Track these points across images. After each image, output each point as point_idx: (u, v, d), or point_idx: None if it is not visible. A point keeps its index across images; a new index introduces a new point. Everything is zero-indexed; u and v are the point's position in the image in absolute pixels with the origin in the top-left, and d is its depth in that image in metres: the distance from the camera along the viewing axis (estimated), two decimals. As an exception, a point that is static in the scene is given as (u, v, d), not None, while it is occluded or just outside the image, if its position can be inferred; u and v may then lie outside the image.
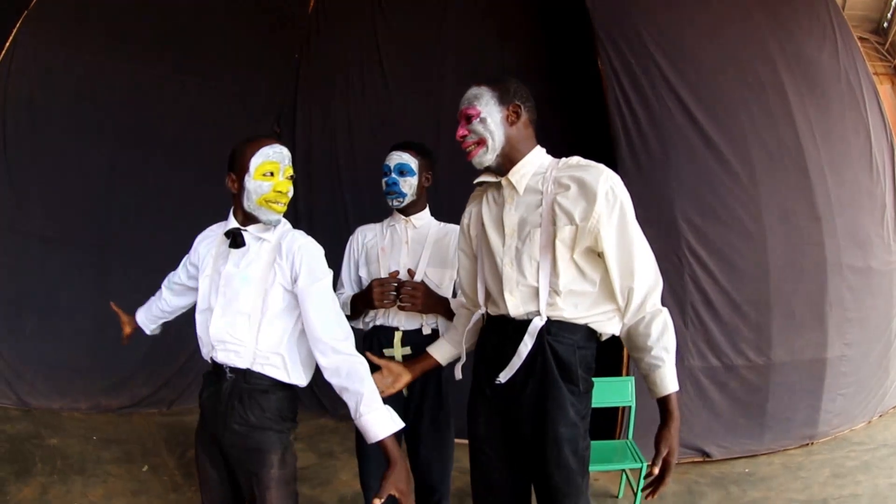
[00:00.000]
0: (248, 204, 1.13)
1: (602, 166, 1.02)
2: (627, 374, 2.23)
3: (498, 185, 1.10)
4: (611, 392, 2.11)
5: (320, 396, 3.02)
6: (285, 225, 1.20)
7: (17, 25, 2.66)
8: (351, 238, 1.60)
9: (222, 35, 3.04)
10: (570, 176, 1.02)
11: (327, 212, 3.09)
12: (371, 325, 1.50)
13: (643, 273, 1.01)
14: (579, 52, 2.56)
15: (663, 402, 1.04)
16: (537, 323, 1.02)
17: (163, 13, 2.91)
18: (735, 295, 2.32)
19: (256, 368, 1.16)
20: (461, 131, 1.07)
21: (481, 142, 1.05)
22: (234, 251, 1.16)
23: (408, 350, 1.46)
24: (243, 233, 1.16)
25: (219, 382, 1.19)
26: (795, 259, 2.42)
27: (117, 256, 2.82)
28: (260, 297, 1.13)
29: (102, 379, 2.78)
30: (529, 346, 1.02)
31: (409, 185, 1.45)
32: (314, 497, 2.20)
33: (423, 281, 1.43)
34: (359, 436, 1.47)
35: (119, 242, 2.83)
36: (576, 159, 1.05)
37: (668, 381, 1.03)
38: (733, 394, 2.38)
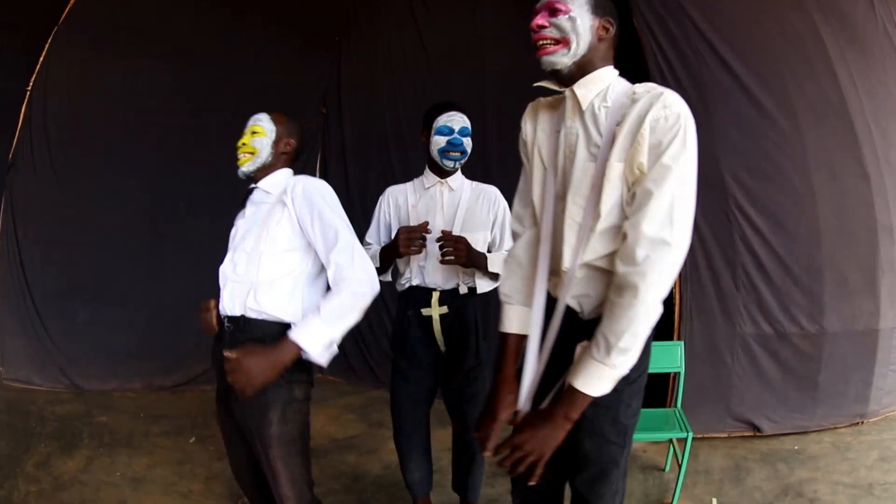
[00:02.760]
0: None
1: (668, 91, 0.85)
2: (678, 339, 2.12)
3: (556, 102, 0.97)
4: (659, 357, 1.98)
5: (374, 369, 3.01)
6: (290, 177, 1.26)
7: (49, 40, 2.81)
8: (381, 199, 1.56)
9: (262, 25, 3.09)
10: (633, 101, 0.87)
11: (378, 188, 3.20)
12: (407, 285, 1.47)
13: (657, 219, 0.79)
14: (615, 12, 2.50)
15: (566, 392, 0.83)
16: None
17: (199, 10, 2.96)
18: (786, 257, 2.20)
19: (251, 315, 1.17)
20: (540, 20, 0.90)
21: (563, 41, 0.89)
22: (242, 214, 1.28)
23: (445, 309, 1.43)
24: (255, 188, 1.27)
25: (222, 337, 1.21)
26: (846, 220, 2.29)
27: (169, 245, 2.91)
28: (260, 236, 1.19)
29: (156, 360, 2.88)
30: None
31: (468, 145, 1.44)
32: (359, 465, 2.20)
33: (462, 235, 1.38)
34: (393, 398, 1.51)
35: (170, 232, 2.93)
36: (645, 86, 0.89)
37: (593, 380, 0.81)
38: (785, 364, 2.25)
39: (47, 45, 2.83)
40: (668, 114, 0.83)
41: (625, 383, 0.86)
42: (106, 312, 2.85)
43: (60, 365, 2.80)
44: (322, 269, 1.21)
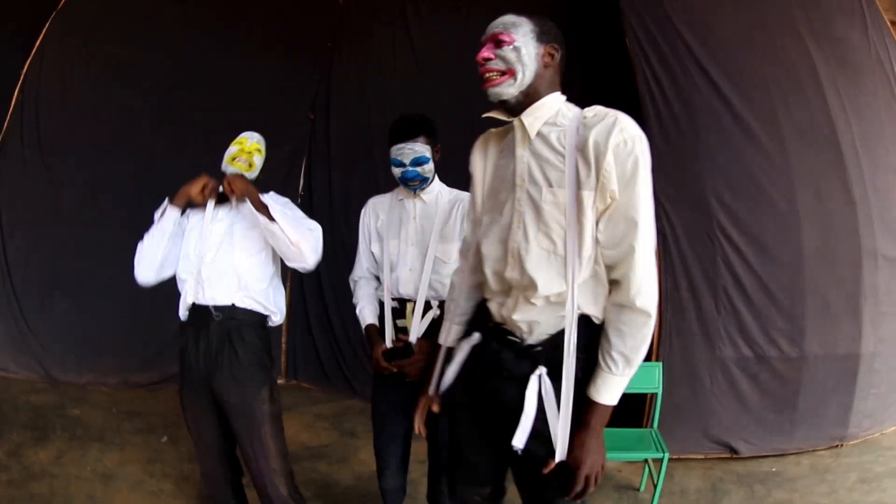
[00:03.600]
0: (223, 165, 1.45)
1: (619, 114, 0.88)
2: (657, 360, 2.11)
3: (504, 132, 1.00)
4: (637, 378, 1.92)
5: (350, 379, 2.99)
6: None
7: (47, 25, 2.81)
8: (363, 211, 1.55)
9: (255, 27, 3.10)
10: (586, 127, 0.88)
11: (361, 193, 3.20)
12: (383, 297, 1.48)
13: (643, 245, 0.86)
14: (607, 31, 2.50)
15: (588, 407, 0.91)
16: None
17: (194, 6, 2.97)
18: (768, 280, 2.20)
19: (240, 303, 1.37)
20: (485, 53, 0.91)
21: (509, 72, 0.90)
22: (217, 214, 1.44)
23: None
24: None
25: (205, 326, 1.36)
26: (830, 245, 2.29)
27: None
28: (244, 236, 1.41)
29: (132, 356, 2.87)
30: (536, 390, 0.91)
31: (428, 170, 1.41)
32: (330, 474, 2.19)
33: (418, 344, 1.40)
34: (374, 403, 1.52)
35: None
36: (594, 110, 0.90)
37: (617, 392, 0.91)
38: (764, 387, 2.24)
39: (45, 29, 2.80)
40: (626, 138, 0.86)
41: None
42: (84, 305, 2.82)
43: (36, 354, 2.77)
44: (276, 272, 1.47)
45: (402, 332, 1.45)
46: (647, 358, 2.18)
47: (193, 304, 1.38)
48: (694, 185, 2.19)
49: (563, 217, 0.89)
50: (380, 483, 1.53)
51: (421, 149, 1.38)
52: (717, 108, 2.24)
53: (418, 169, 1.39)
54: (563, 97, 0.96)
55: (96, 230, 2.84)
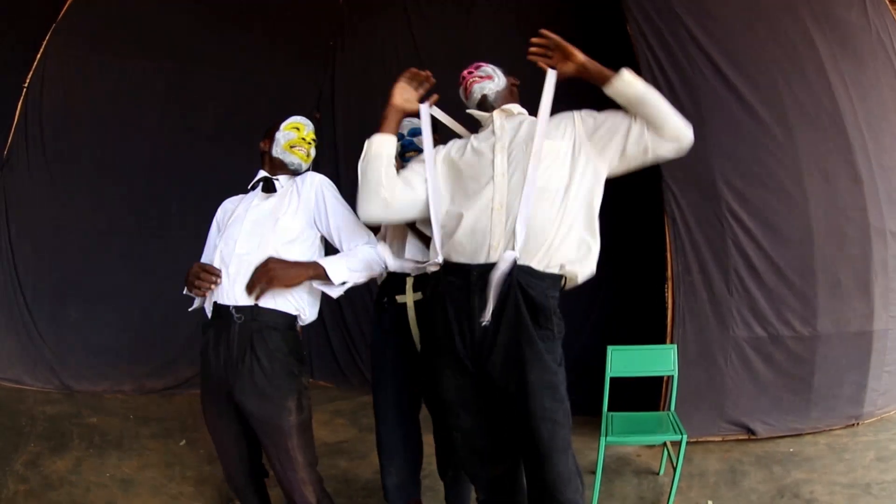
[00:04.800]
0: (276, 150, 1.34)
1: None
2: (671, 342, 2.12)
3: (481, 128, 1.25)
4: (652, 361, 1.99)
5: (366, 374, 2.99)
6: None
7: (48, 37, 2.81)
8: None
9: (257, 29, 3.11)
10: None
11: None
12: (384, 274, 1.47)
13: None
14: (609, 20, 2.51)
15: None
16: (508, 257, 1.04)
17: (193, 13, 2.98)
18: (779, 261, 2.20)
19: (263, 303, 1.21)
20: (471, 68, 1.27)
21: (488, 77, 1.26)
22: (258, 202, 1.32)
23: (419, 295, 1.44)
24: (274, 180, 1.33)
25: (226, 328, 1.21)
26: (839, 224, 2.30)
27: (161, 246, 2.90)
28: (274, 226, 1.26)
29: (147, 363, 2.86)
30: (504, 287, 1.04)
31: (421, 143, 1.43)
32: (350, 469, 2.19)
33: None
34: (374, 396, 1.50)
35: (162, 233, 2.93)
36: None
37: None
38: (779, 367, 2.24)
39: (45, 42, 2.81)
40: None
41: (558, 367, 1.05)
42: (97, 314, 2.84)
43: (51, 365, 2.77)
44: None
45: (401, 310, 1.45)
46: (662, 340, 2.20)
47: (215, 304, 1.25)
48: (701, 168, 2.20)
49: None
50: (381, 478, 1.49)
51: (418, 122, 1.39)
52: (721, 92, 2.25)
53: (415, 140, 1.46)
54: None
55: (105, 238, 2.86)
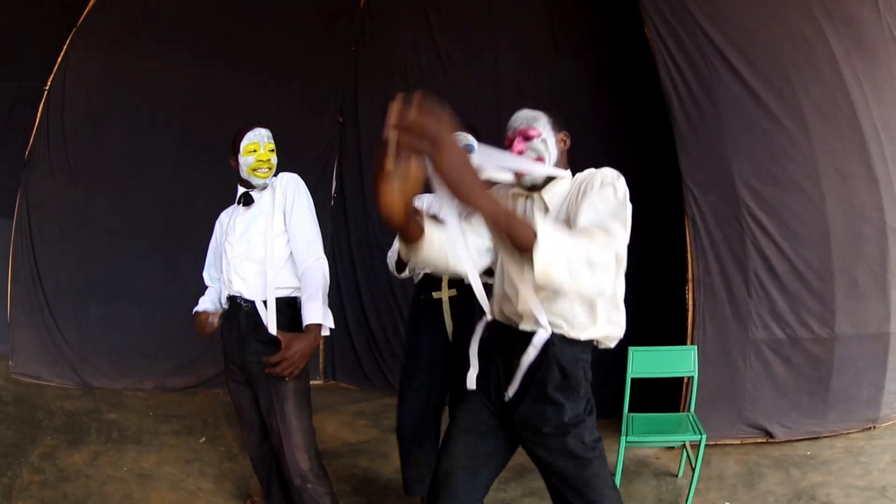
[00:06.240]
0: (242, 172, 1.48)
1: (604, 169, 1.02)
2: (692, 343, 2.12)
3: (524, 198, 1.11)
4: (673, 362, 1.99)
5: (389, 377, 3.00)
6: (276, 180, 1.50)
7: (69, 39, 2.86)
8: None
9: (278, 34, 3.14)
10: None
11: None
12: (421, 274, 1.58)
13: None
14: (627, 23, 2.53)
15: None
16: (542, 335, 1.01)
17: (214, 15, 3.01)
18: (798, 262, 2.19)
19: (262, 297, 1.40)
20: (519, 147, 1.06)
21: (540, 159, 1.06)
22: (243, 212, 1.48)
23: (454, 292, 1.54)
24: (251, 193, 1.49)
25: (236, 313, 1.44)
26: (856, 224, 2.29)
27: (184, 246, 2.91)
28: (260, 229, 1.44)
29: (168, 361, 2.89)
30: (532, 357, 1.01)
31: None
32: (371, 469, 2.20)
33: None
34: (399, 391, 1.62)
35: (185, 233, 2.94)
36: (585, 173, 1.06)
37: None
38: (797, 369, 2.23)
39: (66, 45, 2.86)
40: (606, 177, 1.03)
41: (584, 416, 1.04)
42: (118, 311, 2.86)
43: (71, 362, 2.80)
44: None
45: (437, 305, 1.54)
46: (682, 341, 2.20)
47: (228, 296, 1.48)
48: (720, 169, 2.20)
49: None
50: (402, 471, 1.57)
51: (471, 139, 1.47)
52: (738, 93, 2.25)
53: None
54: (570, 173, 1.11)
55: (127, 238, 2.89)
